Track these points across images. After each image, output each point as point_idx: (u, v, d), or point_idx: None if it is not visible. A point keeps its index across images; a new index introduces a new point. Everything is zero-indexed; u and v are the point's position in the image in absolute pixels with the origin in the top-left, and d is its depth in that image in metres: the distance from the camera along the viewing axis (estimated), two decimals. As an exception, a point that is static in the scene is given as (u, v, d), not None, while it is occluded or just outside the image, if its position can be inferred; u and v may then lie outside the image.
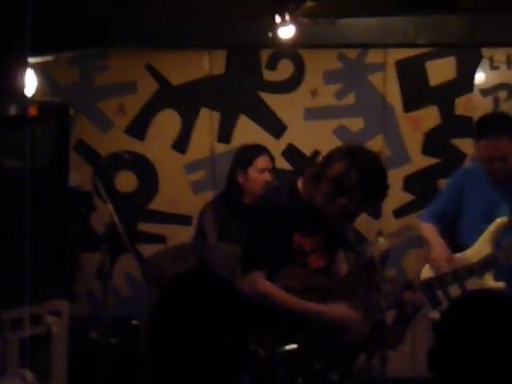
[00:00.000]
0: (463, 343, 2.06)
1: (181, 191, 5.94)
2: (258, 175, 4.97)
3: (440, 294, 4.19)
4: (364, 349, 3.64)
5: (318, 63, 5.83)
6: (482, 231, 4.32)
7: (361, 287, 3.64)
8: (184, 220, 5.92)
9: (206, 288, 2.05)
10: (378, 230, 5.73)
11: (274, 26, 4.83)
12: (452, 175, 4.75)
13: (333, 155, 3.60)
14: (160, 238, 5.92)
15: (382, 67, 5.82)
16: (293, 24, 4.77)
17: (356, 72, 5.84)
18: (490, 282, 4.23)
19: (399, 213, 5.86)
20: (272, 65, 5.84)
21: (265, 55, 5.83)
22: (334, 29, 5.39)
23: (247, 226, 3.78)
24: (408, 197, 5.87)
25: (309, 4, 4.60)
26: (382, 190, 3.59)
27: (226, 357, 1.99)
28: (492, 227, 4.29)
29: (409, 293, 3.70)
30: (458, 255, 4.36)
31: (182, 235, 5.86)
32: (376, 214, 5.73)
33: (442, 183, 5.83)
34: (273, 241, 3.52)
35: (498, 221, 4.29)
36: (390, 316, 3.76)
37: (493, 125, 4.42)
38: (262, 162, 4.98)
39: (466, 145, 5.83)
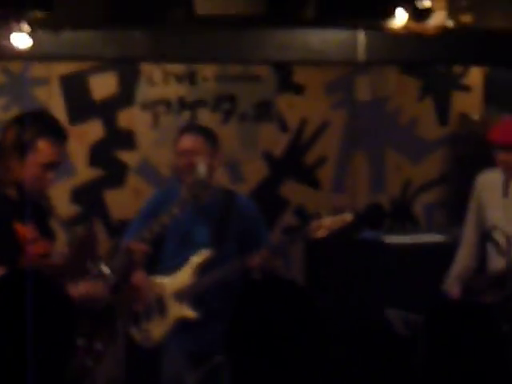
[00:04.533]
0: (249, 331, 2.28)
1: None
2: None
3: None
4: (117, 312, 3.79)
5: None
6: (182, 254, 4.56)
7: (87, 261, 3.71)
8: None
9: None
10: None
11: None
12: (148, 199, 4.97)
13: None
14: None
15: (46, 81, 5.88)
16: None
17: (21, 86, 5.82)
18: (186, 311, 4.51)
19: (68, 224, 5.92)
20: None
21: None
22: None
23: None
24: (75, 208, 5.98)
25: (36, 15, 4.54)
26: (59, 129, 3.73)
27: None
28: (196, 259, 4.53)
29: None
30: (160, 280, 4.58)
31: None
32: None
33: (107, 194, 6.04)
34: None
35: (204, 253, 4.52)
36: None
37: (193, 125, 5.03)
38: None
39: (128, 156, 6.09)
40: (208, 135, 4.66)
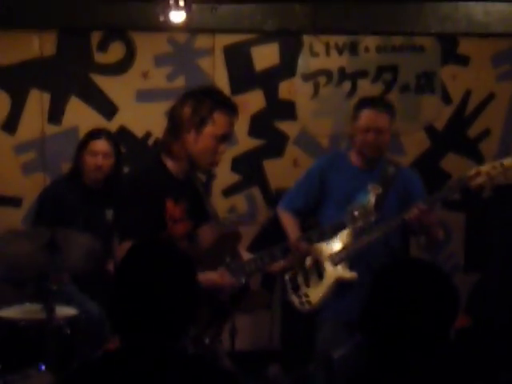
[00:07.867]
0: (393, 307, 2.29)
1: (10, 172, 5.87)
2: (90, 158, 5.06)
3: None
4: (230, 312, 3.85)
5: (149, 46, 5.93)
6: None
7: (226, 255, 3.83)
8: (14, 202, 5.87)
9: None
10: (230, 207, 6.01)
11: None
12: (313, 164, 4.93)
13: (175, 105, 3.76)
14: (-12, 221, 5.83)
15: (210, 52, 6.02)
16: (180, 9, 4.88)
17: (186, 56, 5.99)
18: (344, 272, 4.50)
19: (227, 192, 6.09)
20: (103, 47, 5.90)
21: (96, 37, 5.87)
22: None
23: (119, 198, 3.80)
24: (235, 177, 6.11)
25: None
26: (231, 102, 3.82)
27: None
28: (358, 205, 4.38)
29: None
30: (322, 246, 4.53)
31: (11, 217, 5.83)
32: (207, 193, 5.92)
33: (267, 163, 6.14)
34: (146, 210, 3.57)
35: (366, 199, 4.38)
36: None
37: (376, 100, 4.80)
38: (94, 145, 5.08)
39: (288, 127, 6.15)
40: (390, 111, 4.59)
